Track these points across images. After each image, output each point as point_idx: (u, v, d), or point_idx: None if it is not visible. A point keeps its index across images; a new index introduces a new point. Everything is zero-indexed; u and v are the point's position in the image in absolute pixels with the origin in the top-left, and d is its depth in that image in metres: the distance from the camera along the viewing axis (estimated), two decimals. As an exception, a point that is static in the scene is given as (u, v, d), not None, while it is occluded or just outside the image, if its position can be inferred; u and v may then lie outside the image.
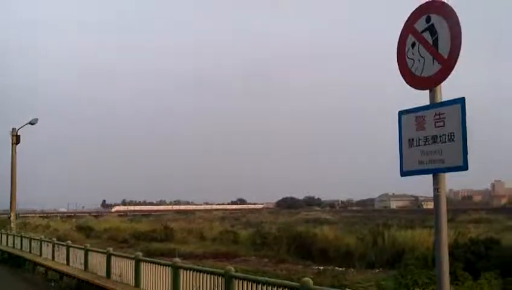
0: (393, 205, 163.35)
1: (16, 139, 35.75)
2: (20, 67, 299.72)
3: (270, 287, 8.71)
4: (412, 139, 6.28)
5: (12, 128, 35.91)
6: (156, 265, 13.10)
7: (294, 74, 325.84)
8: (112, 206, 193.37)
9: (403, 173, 6.46)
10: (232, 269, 10.11)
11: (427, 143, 6.08)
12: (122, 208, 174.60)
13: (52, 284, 18.99)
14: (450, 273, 6.16)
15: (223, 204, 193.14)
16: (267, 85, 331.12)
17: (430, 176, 6.19)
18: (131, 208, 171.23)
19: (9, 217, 39.69)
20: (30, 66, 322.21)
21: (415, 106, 6.37)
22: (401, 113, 6.49)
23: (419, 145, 6.18)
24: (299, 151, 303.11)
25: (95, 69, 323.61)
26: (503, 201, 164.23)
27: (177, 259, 12.61)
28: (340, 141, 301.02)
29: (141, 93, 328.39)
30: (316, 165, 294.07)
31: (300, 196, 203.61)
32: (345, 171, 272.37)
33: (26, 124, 35.86)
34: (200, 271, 11.21)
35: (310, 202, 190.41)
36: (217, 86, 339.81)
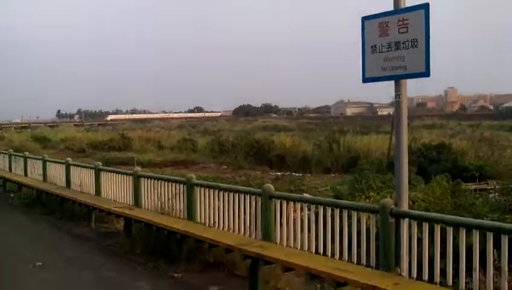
0: (349, 111, 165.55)
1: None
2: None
3: (232, 194, 8.84)
4: (375, 46, 6.25)
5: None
6: (117, 174, 13.08)
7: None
8: (69, 116, 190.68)
9: (365, 80, 6.46)
10: (194, 176, 10.17)
11: (390, 49, 6.07)
12: (118, 116, 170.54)
13: (12, 195, 18.84)
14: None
15: (180, 112, 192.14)
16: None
17: (386, 83, 6.22)
18: (128, 116, 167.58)
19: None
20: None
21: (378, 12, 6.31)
22: (364, 18, 6.41)
23: (382, 51, 6.16)
24: (256, 60, 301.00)
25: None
26: (456, 107, 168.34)
27: (137, 168, 12.63)
28: (297, 49, 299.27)
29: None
30: (273, 72, 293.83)
31: (257, 103, 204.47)
32: (302, 78, 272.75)
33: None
34: (161, 179, 11.26)
35: (267, 110, 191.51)
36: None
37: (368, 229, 6.57)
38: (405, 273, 6.08)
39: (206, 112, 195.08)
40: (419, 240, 5.96)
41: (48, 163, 17.49)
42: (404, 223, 6.11)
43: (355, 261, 6.67)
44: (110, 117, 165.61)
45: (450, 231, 5.65)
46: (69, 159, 16.48)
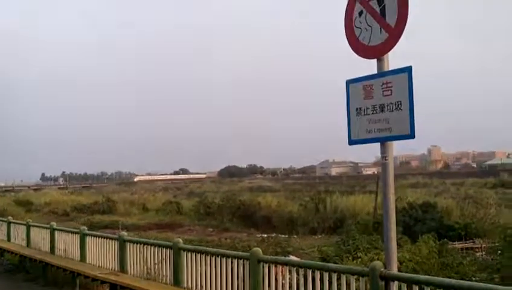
0: (334, 171, 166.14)
1: None
2: None
3: (219, 258, 8.73)
4: (360, 108, 6.32)
5: None
6: (102, 239, 12.90)
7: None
8: (54, 179, 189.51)
9: (351, 142, 6.50)
10: (180, 240, 10.06)
11: (374, 112, 6.13)
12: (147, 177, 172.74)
13: (-7, 260, 18.49)
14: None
15: (165, 174, 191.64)
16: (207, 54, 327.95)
17: (371, 143, 6.27)
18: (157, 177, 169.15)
19: None
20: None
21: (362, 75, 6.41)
22: (348, 82, 6.51)
23: (367, 114, 6.22)
24: (241, 121, 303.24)
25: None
26: (439, 165, 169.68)
27: (123, 232, 12.47)
28: (282, 110, 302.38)
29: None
30: (256, 134, 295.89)
31: (242, 164, 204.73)
32: (287, 139, 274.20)
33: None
34: (147, 244, 11.11)
35: (253, 170, 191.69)
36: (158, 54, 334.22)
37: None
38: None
39: (192, 173, 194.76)
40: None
41: (31, 228, 17.25)
42: (394, 286, 6.04)
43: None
44: (137, 178, 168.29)
45: (441, 294, 5.59)
46: (54, 223, 16.25)
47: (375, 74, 6.19)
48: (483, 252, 25.59)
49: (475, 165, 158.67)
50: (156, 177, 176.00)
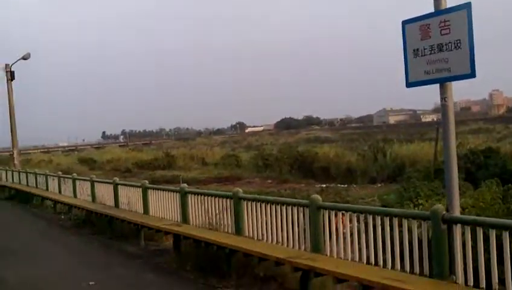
0: (392, 119, 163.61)
1: (11, 75, 35.26)
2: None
3: (279, 206, 8.80)
4: (417, 49, 6.16)
5: (6, 64, 35.40)
6: (164, 192, 13.19)
7: None
8: (114, 137, 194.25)
9: (409, 85, 6.37)
10: (240, 190, 10.16)
11: (432, 52, 5.97)
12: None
13: (62, 216, 19.23)
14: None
15: (223, 129, 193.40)
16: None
17: (429, 88, 6.12)
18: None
19: (11, 154, 39.80)
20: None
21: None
22: (404, 22, 6.33)
23: (424, 54, 6.06)
24: (297, 71, 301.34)
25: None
26: (501, 110, 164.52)
27: (184, 184, 12.68)
28: (337, 59, 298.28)
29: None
30: (314, 84, 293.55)
31: (299, 116, 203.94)
32: (343, 88, 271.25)
33: (19, 60, 35.26)
34: (208, 195, 11.30)
35: (309, 122, 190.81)
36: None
37: (419, 237, 6.43)
38: (461, 281, 5.91)
39: (248, 126, 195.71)
40: (474, 246, 5.79)
41: (96, 184, 17.80)
42: (457, 229, 5.96)
43: (408, 270, 6.54)
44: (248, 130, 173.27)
45: (506, 236, 5.46)
46: (116, 178, 16.73)
47: (432, 13, 6.00)
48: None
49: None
50: (259, 129, 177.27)
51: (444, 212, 6.06)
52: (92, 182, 17.99)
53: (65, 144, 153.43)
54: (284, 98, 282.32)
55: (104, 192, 16.87)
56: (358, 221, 7.42)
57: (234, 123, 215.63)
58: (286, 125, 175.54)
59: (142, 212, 13.92)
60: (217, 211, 10.56)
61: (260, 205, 9.29)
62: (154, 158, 59.00)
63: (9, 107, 35.48)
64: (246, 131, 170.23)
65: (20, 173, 29.37)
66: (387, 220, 6.85)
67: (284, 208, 8.65)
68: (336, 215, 7.73)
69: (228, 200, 10.20)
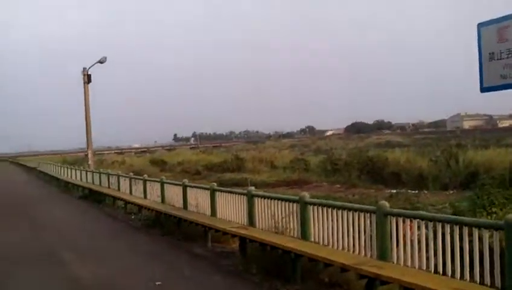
0: (466, 124, 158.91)
1: (88, 78, 36.45)
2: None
3: (346, 212, 8.68)
4: (493, 53, 5.94)
5: (83, 68, 36.63)
6: (231, 194, 13.27)
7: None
8: (185, 139, 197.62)
9: (483, 89, 6.16)
10: (307, 194, 10.12)
11: (510, 56, 5.74)
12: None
13: (132, 216, 19.67)
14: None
15: (292, 132, 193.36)
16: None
17: (507, 92, 5.88)
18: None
19: (86, 155, 41.14)
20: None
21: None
22: (480, 25, 6.12)
23: (501, 58, 5.84)
24: (366, 75, 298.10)
25: None
26: None
27: (251, 187, 12.72)
28: (409, 62, 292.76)
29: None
30: (385, 86, 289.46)
31: (369, 120, 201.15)
32: (415, 92, 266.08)
33: (96, 63, 36.37)
34: (274, 198, 11.28)
35: (380, 126, 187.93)
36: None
37: (491, 247, 6.19)
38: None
39: (318, 130, 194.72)
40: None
41: (165, 185, 18.10)
42: (533, 241, 5.70)
43: (478, 281, 6.31)
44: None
45: None
46: (186, 180, 16.95)
47: (511, 14, 5.77)
48: None
49: None
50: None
51: (519, 222, 5.81)
52: (162, 184, 18.31)
53: (138, 146, 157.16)
54: (355, 102, 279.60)
55: (173, 193, 17.13)
56: (426, 228, 7.23)
57: (304, 127, 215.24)
58: (357, 129, 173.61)
59: (210, 214, 14.06)
60: (283, 215, 10.54)
61: (326, 210, 9.22)
62: (223, 161, 59.47)
63: (85, 109, 36.67)
64: (326, 134, 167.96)
65: (94, 173, 30.30)
66: (456, 229, 6.64)
67: (350, 213, 8.55)
68: (403, 222, 7.56)
69: (294, 204, 10.17)
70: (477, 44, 6.13)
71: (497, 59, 5.86)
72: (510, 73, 5.75)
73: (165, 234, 15.57)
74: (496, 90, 6.00)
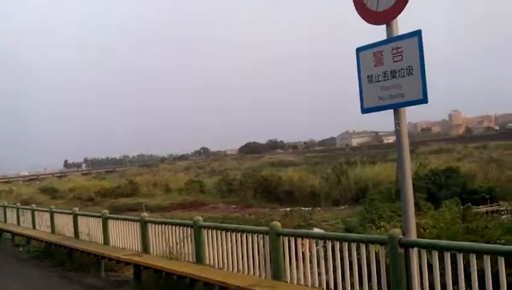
0: (355, 142, 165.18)
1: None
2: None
3: (239, 234, 8.75)
4: (371, 76, 6.23)
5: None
6: (124, 221, 13.01)
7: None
8: (77, 165, 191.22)
9: (364, 110, 6.43)
10: (201, 218, 10.09)
11: (386, 78, 6.04)
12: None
13: (20, 249, 18.77)
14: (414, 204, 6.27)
15: (187, 154, 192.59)
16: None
17: (389, 111, 6.18)
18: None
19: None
20: None
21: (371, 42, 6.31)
22: (358, 49, 6.41)
23: (378, 81, 6.14)
24: (259, 96, 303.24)
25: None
26: (461, 130, 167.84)
27: (144, 213, 12.55)
28: (299, 83, 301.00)
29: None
30: (276, 108, 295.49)
31: (262, 140, 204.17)
32: (306, 112, 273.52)
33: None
34: (168, 223, 11.17)
35: (273, 145, 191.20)
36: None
37: (378, 262, 6.45)
38: (419, 305, 5.94)
39: (213, 152, 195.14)
40: (431, 269, 5.83)
41: (55, 214, 17.46)
42: (414, 253, 5.99)
43: (368, 297, 6.54)
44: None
45: (460, 258, 5.53)
46: (76, 209, 16.47)
47: (385, 40, 6.09)
48: (509, 215, 25.38)
49: (498, 128, 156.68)
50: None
51: (401, 236, 6.09)
52: (52, 213, 17.64)
53: (26, 174, 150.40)
54: (248, 123, 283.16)
55: (64, 223, 16.56)
56: (317, 245, 7.42)
57: (198, 148, 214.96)
58: (250, 149, 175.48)
59: (103, 242, 13.69)
60: (178, 240, 10.45)
61: (220, 233, 9.23)
62: (117, 186, 58.45)
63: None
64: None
65: (-23, 205, 28.63)
66: (345, 245, 6.86)
67: (244, 235, 8.60)
68: (295, 241, 7.71)
69: (189, 228, 10.11)
70: (356, 67, 6.42)
71: (375, 82, 6.15)
72: (387, 94, 6.05)
73: (55, 266, 14.94)
74: (375, 111, 6.29)
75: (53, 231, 17.23)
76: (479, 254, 5.46)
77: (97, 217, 14.32)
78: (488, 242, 12.42)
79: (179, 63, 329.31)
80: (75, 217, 15.55)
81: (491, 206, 28.97)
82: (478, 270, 5.36)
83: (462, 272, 5.45)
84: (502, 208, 28.26)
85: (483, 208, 27.60)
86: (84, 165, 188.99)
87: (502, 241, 14.32)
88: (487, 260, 5.29)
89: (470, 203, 23.22)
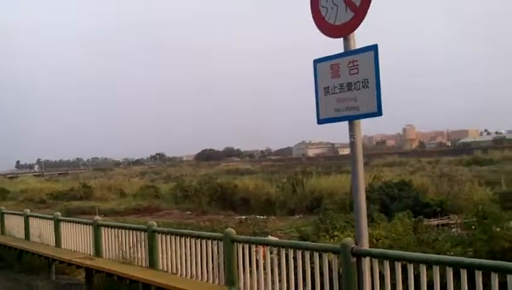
0: (311, 152, 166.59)
1: None
2: None
3: (194, 239, 8.75)
4: (328, 87, 6.35)
5: None
6: (76, 224, 12.84)
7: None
8: (29, 166, 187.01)
9: (320, 121, 6.54)
10: (154, 223, 10.05)
11: (342, 90, 6.17)
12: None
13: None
14: (367, 216, 6.39)
15: (142, 159, 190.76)
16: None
17: (345, 123, 6.30)
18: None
19: None
20: None
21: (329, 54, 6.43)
22: (316, 61, 6.53)
23: (335, 92, 6.26)
24: (218, 104, 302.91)
25: None
26: (414, 144, 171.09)
27: (97, 217, 12.46)
28: (255, 92, 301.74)
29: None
30: (235, 116, 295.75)
31: (219, 147, 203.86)
32: (264, 121, 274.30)
33: None
34: (121, 228, 11.10)
35: (230, 153, 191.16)
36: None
37: (331, 270, 6.55)
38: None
39: (169, 157, 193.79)
40: (383, 279, 5.95)
41: (5, 215, 17.09)
42: (366, 262, 6.11)
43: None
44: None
45: (410, 268, 5.66)
46: (27, 210, 16.14)
47: (342, 53, 6.22)
48: (458, 228, 25.97)
49: (449, 144, 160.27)
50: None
51: (353, 245, 6.21)
52: (1, 214, 17.26)
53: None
54: (205, 130, 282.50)
55: (14, 224, 16.22)
56: (271, 252, 7.49)
57: (154, 154, 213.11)
58: (207, 156, 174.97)
59: (54, 245, 13.48)
60: (131, 244, 10.38)
61: (175, 238, 9.22)
62: (70, 189, 57.59)
63: None
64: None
65: None
66: (299, 253, 6.95)
67: (198, 241, 8.62)
68: (249, 248, 7.77)
69: (142, 233, 10.06)
70: (313, 78, 6.53)
71: (332, 93, 6.27)
72: (343, 106, 6.17)
73: (4, 268, 14.62)
74: (331, 122, 6.40)
75: (3, 233, 16.84)
76: (429, 264, 5.61)
77: (49, 219, 14.09)
78: (438, 253, 12.74)
79: (141, 67, 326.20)
80: (26, 218, 15.26)
81: (442, 220, 29.60)
82: (428, 281, 5.52)
83: (413, 282, 5.59)
84: (452, 222, 28.91)
85: (434, 221, 28.19)
86: (36, 166, 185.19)
87: (451, 253, 14.72)
88: (436, 271, 5.44)
89: (421, 216, 23.76)
